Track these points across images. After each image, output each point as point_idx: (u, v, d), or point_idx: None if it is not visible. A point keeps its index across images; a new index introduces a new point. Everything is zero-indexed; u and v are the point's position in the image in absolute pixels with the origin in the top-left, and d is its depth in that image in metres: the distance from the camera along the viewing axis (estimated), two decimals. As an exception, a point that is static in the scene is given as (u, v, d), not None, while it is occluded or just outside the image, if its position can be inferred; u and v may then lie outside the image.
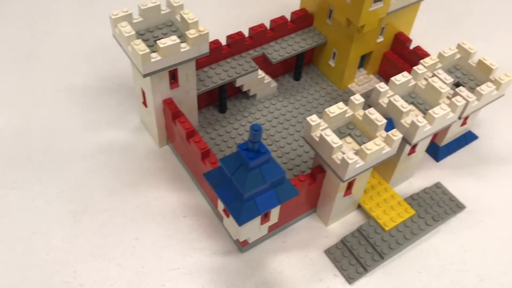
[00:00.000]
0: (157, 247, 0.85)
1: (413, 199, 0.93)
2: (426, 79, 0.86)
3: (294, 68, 1.09)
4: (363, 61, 1.09)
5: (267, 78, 1.04)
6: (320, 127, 0.77)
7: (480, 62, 0.94)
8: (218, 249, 0.86)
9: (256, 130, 0.65)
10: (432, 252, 0.88)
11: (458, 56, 0.97)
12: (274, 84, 1.06)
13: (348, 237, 0.87)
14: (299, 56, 1.07)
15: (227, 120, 1.02)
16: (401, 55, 1.07)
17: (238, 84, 0.99)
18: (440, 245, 0.89)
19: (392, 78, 0.84)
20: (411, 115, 0.80)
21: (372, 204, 0.90)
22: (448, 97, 0.87)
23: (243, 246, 0.84)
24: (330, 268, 0.85)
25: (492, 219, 0.93)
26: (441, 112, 0.80)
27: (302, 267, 0.85)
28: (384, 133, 0.78)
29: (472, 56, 0.96)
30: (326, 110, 0.78)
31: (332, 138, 0.74)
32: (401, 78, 0.84)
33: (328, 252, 0.86)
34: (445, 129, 0.97)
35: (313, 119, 0.77)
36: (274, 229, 0.87)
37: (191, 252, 0.85)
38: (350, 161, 0.72)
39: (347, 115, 0.80)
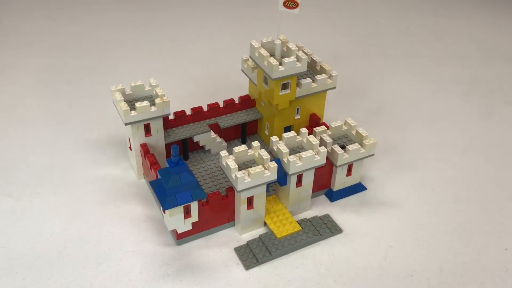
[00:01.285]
0: (122, 238, 1.27)
1: (303, 221, 1.31)
2: (307, 137, 1.29)
3: (241, 134, 1.56)
4: (289, 131, 1.54)
5: (219, 139, 1.50)
6: (228, 158, 1.21)
7: (357, 132, 1.37)
8: (162, 242, 1.27)
9: (173, 148, 1.10)
10: (310, 256, 1.24)
11: (344, 128, 1.41)
12: (224, 143, 1.51)
13: (251, 241, 1.26)
14: (243, 126, 1.53)
15: (188, 165, 1.47)
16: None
17: (195, 139, 1.45)
18: (317, 252, 1.25)
19: (283, 134, 1.28)
20: (288, 156, 1.23)
21: (271, 221, 1.29)
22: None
23: (177, 239, 1.25)
24: (235, 259, 1.23)
25: (361, 239, 1.29)
26: (309, 154, 1.22)
27: (216, 257, 1.23)
28: (268, 165, 1.20)
29: (354, 128, 1.40)
30: (234, 148, 1.22)
31: (231, 163, 1.17)
32: (289, 134, 1.28)
33: (236, 249, 1.25)
34: (333, 176, 1.38)
35: (223, 153, 1.21)
36: (201, 232, 1.27)
37: (144, 243, 1.26)
38: (239, 176, 1.14)
39: (249, 153, 1.24)
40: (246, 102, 1.54)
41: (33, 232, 1.28)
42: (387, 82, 1.97)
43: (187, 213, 1.18)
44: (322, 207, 1.39)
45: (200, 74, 1.96)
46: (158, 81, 1.47)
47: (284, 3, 1.31)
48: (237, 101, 1.54)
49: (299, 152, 1.28)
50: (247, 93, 1.57)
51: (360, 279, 1.20)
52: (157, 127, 1.37)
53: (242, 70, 1.52)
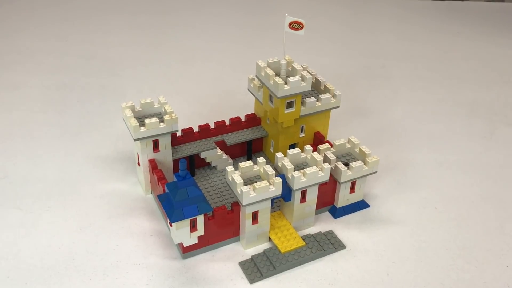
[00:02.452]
0: (129, 251, 1.30)
1: (307, 237, 1.33)
2: (311, 154, 1.32)
3: (246, 152, 1.59)
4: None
5: (225, 155, 1.53)
6: (233, 173, 1.24)
7: (360, 150, 1.41)
8: (168, 255, 1.29)
9: (181, 162, 1.13)
10: (313, 272, 1.26)
11: (348, 145, 1.44)
12: (230, 160, 1.55)
13: (255, 256, 1.28)
14: (249, 143, 1.57)
15: (195, 180, 1.49)
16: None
17: (202, 156, 1.48)
18: (320, 267, 1.27)
19: (288, 150, 1.32)
20: (293, 172, 1.26)
21: (276, 236, 1.31)
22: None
23: (183, 252, 1.27)
24: (240, 273, 1.25)
25: (364, 255, 1.31)
26: (313, 170, 1.25)
27: (221, 271, 1.25)
28: (273, 180, 1.23)
29: (357, 146, 1.43)
30: (240, 164, 1.25)
31: (237, 178, 1.21)
32: (293, 151, 1.31)
33: (241, 263, 1.27)
34: (337, 192, 1.40)
35: (229, 168, 1.24)
36: (207, 246, 1.29)
37: (151, 256, 1.29)
38: (244, 190, 1.17)
39: (255, 169, 1.27)
40: (252, 120, 1.58)
41: (42, 244, 1.31)
42: (390, 102, 2.00)
43: (193, 227, 1.20)
44: (325, 224, 1.41)
45: (208, 93, 2.00)
46: (168, 100, 1.52)
47: (289, 25, 1.36)
48: (243, 119, 1.58)
49: (303, 168, 1.31)
50: (253, 112, 1.61)
51: (363, 294, 1.22)
52: (165, 143, 1.41)
53: (248, 89, 1.56)
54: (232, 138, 1.54)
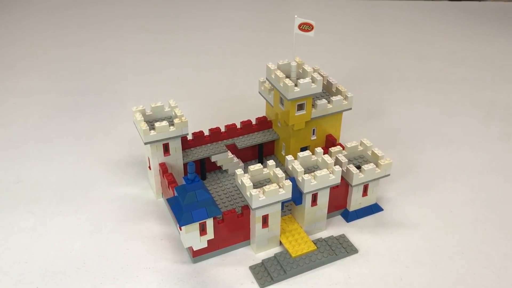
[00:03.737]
0: (139, 255, 1.29)
1: (319, 241, 1.31)
2: (322, 157, 1.31)
3: (257, 155, 1.58)
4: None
5: (235, 159, 1.52)
6: (243, 176, 1.23)
7: (372, 152, 1.38)
8: (178, 259, 1.28)
9: (190, 166, 1.12)
10: (325, 276, 1.24)
11: (360, 148, 1.42)
12: (241, 163, 1.54)
13: (266, 260, 1.27)
14: (260, 146, 1.56)
15: (206, 184, 1.49)
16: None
17: (213, 159, 1.48)
18: (332, 272, 1.25)
19: (298, 153, 1.30)
20: (303, 175, 1.24)
21: (287, 240, 1.30)
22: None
23: (193, 256, 1.26)
24: (250, 278, 1.24)
25: (377, 260, 1.29)
26: (323, 173, 1.23)
27: (231, 275, 1.24)
28: (283, 183, 1.22)
29: (369, 148, 1.40)
30: (249, 167, 1.24)
31: (246, 181, 1.19)
32: (304, 153, 1.30)
33: (251, 268, 1.25)
34: (349, 196, 1.38)
35: (239, 171, 1.23)
36: (217, 250, 1.28)
37: (161, 260, 1.28)
38: (254, 193, 1.16)
39: (264, 172, 1.26)
40: (263, 123, 1.57)
41: (54, 248, 1.32)
42: (404, 104, 1.97)
43: (203, 230, 1.19)
44: (337, 227, 1.39)
45: (219, 97, 2.00)
46: (179, 104, 1.51)
47: (299, 26, 1.35)
48: (254, 122, 1.57)
49: (314, 171, 1.30)
50: (264, 115, 1.60)
51: (376, 300, 1.19)
52: (175, 146, 1.40)
53: (259, 92, 1.55)
54: (243, 142, 1.53)
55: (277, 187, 1.19)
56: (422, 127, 1.83)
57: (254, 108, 1.85)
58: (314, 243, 1.30)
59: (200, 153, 1.47)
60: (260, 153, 1.58)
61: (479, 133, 1.81)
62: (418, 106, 1.97)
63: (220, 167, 1.54)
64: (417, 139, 1.77)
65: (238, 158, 1.54)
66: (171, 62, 2.28)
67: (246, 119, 1.58)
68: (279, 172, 1.23)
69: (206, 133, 1.52)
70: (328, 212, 1.36)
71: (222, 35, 2.54)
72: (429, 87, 2.11)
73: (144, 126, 1.32)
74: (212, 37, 2.52)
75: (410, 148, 1.72)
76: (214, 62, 2.29)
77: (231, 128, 1.52)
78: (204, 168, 1.50)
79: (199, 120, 1.80)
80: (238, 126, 1.54)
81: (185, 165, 1.46)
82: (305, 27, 1.32)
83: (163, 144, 1.38)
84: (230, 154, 1.50)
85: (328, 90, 1.53)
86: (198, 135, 1.48)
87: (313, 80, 1.37)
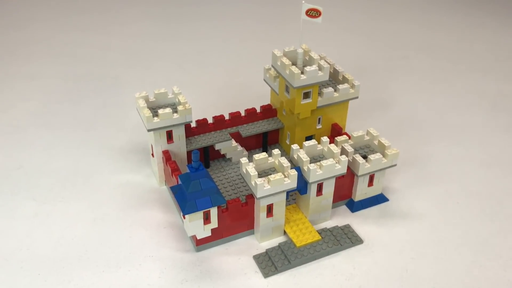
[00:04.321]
0: (142, 243, 1.28)
1: (323, 231, 1.30)
2: (328, 146, 1.29)
3: (262, 144, 1.56)
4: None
5: (240, 147, 1.50)
6: (248, 165, 1.21)
7: (379, 142, 1.36)
8: (181, 248, 1.27)
9: (194, 154, 1.11)
10: (329, 266, 1.23)
11: (367, 137, 1.40)
12: (245, 152, 1.52)
13: (270, 249, 1.25)
14: (265, 135, 1.54)
15: (209, 172, 1.47)
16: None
17: (217, 148, 1.46)
18: (336, 262, 1.24)
19: (304, 142, 1.28)
20: (309, 165, 1.22)
21: (291, 229, 1.28)
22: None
23: (197, 245, 1.25)
24: (254, 267, 1.22)
25: (381, 251, 1.27)
26: (329, 163, 1.21)
27: (235, 265, 1.23)
28: (288, 172, 1.20)
29: (376, 138, 1.38)
30: (254, 155, 1.22)
31: (251, 170, 1.18)
32: (309, 143, 1.28)
33: (255, 257, 1.24)
34: (354, 186, 1.37)
35: (243, 160, 1.21)
36: (221, 239, 1.27)
37: (164, 248, 1.27)
38: (258, 182, 1.14)
39: (269, 161, 1.24)
40: (268, 111, 1.54)
41: (56, 236, 1.30)
42: (411, 94, 1.95)
43: (206, 219, 1.18)
44: (343, 218, 1.38)
45: (224, 85, 1.97)
46: (183, 91, 1.49)
47: (306, 12, 1.32)
48: (258, 110, 1.55)
49: (319, 160, 1.28)
50: (269, 103, 1.58)
51: (381, 291, 1.18)
52: (179, 134, 1.38)
53: (264, 79, 1.53)
54: (247, 130, 1.51)
55: (282, 176, 1.17)
56: (429, 117, 1.81)
57: (258, 96, 1.82)
58: (319, 233, 1.28)
59: (204, 141, 1.45)
60: (265, 142, 1.55)
61: (486, 124, 1.79)
62: (425, 96, 1.94)
63: (223, 155, 1.52)
64: (424, 129, 1.74)
65: (242, 146, 1.53)
66: (174, 49, 2.25)
67: (250, 107, 1.55)
68: (284, 161, 1.21)
69: (210, 120, 1.50)
70: (333, 202, 1.35)
71: (227, 21, 2.51)
72: (436, 76, 2.08)
73: (148, 112, 1.30)
74: (217, 23, 2.48)
75: (417, 138, 1.70)
76: (218, 48, 2.26)
77: (235, 116, 1.50)
78: (207, 156, 1.48)
79: (202, 107, 1.78)
80: (243, 114, 1.52)
81: (188, 152, 1.44)
82: (313, 13, 1.29)
83: (166, 132, 1.36)
84: (234, 143, 1.48)
85: (335, 78, 1.51)
86: (202, 123, 1.46)
87: (320, 68, 1.35)
